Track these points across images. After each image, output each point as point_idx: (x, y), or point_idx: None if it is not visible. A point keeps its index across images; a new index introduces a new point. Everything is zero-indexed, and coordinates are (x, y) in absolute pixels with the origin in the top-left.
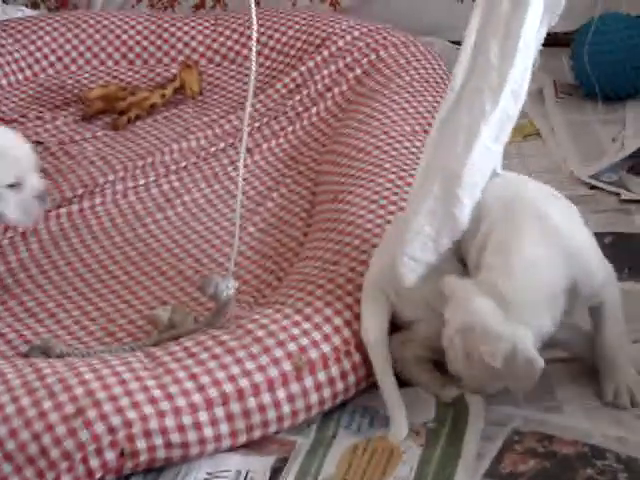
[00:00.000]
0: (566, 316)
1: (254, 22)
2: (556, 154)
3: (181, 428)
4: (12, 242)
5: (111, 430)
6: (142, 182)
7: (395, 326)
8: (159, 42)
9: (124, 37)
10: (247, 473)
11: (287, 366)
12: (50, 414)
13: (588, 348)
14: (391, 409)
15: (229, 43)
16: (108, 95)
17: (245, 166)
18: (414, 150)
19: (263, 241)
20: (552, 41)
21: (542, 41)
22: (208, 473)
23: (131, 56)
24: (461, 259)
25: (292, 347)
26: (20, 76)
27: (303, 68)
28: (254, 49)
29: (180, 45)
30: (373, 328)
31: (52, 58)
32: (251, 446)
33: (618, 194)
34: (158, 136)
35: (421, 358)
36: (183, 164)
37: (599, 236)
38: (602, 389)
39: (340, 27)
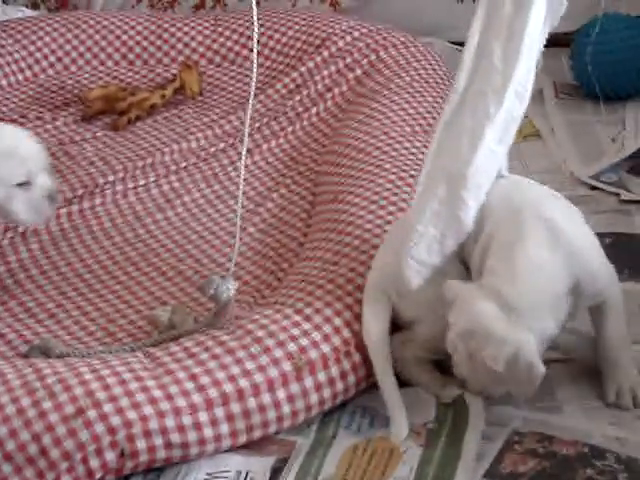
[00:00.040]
0: (569, 318)
1: (255, 23)
2: (556, 154)
3: (181, 428)
4: (12, 242)
5: (111, 430)
6: (142, 182)
7: (395, 326)
8: (159, 42)
9: (124, 37)
10: (247, 473)
11: (287, 366)
12: (50, 414)
13: (588, 351)
14: (391, 409)
15: (229, 44)
16: (108, 95)
17: (245, 166)
18: (414, 150)
19: (263, 241)
20: (552, 41)
21: (544, 42)
22: (208, 473)
23: (131, 56)
24: (463, 261)
25: (292, 347)
26: (20, 76)
27: (303, 68)
28: (255, 50)
29: (180, 45)
30: (374, 329)
31: (52, 59)
32: (251, 446)
33: (618, 194)
34: (158, 136)
35: (421, 358)
36: (183, 164)
37: (599, 237)
38: (604, 390)
39: (340, 27)
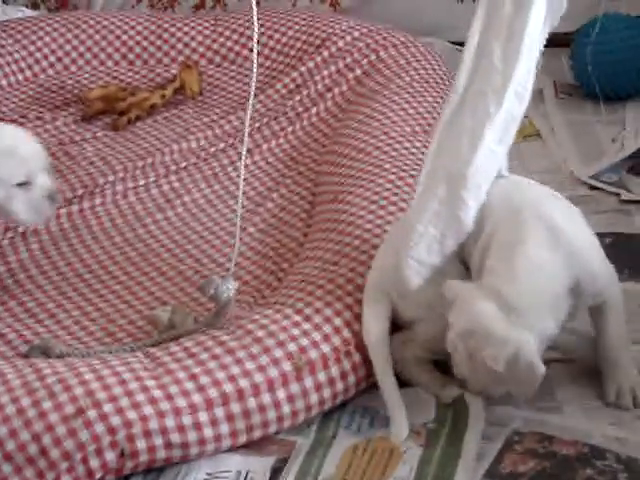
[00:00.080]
0: (569, 318)
1: (255, 23)
2: (556, 154)
3: (181, 428)
4: (12, 242)
5: (111, 430)
6: (142, 182)
7: (396, 326)
8: (159, 42)
9: (124, 37)
10: (247, 473)
11: (287, 366)
12: (50, 414)
13: (589, 351)
14: (391, 409)
15: (229, 43)
16: (108, 96)
17: (245, 166)
18: (414, 151)
19: (263, 241)
20: (552, 41)
21: (544, 42)
22: (208, 473)
23: (131, 56)
24: (463, 261)
25: (292, 347)
26: (20, 77)
27: (303, 68)
28: (255, 50)
29: (180, 45)
30: (374, 329)
31: (52, 59)
32: (251, 446)
33: (618, 194)
34: (158, 137)
35: (421, 358)
36: (183, 164)
37: (599, 237)
38: (604, 390)
39: (340, 27)
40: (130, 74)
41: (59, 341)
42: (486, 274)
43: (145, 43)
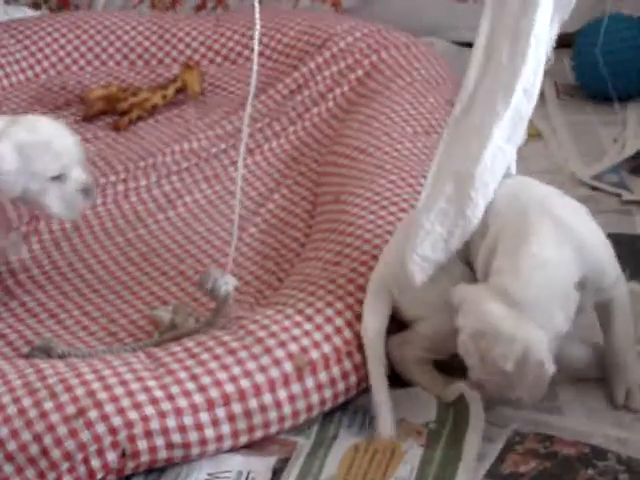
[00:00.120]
0: (578, 313)
1: (257, 23)
2: (557, 155)
3: (182, 429)
4: (13, 242)
5: (112, 431)
6: (143, 183)
7: (398, 326)
8: (160, 43)
9: (125, 38)
10: (248, 473)
11: (288, 367)
12: (51, 414)
13: (595, 362)
14: (378, 407)
15: (230, 44)
16: (109, 96)
17: (246, 167)
18: (415, 151)
19: (264, 242)
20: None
21: (554, 39)
22: (209, 474)
23: (132, 57)
24: (467, 261)
25: (293, 347)
26: (22, 77)
27: (304, 69)
28: (256, 50)
29: (181, 46)
30: (372, 325)
31: (54, 59)
32: (252, 446)
33: (619, 195)
34: (159, 137)
35: (422, 358)
36: (184, 165)
37: None
38: (613, 392)
39: (341, 28)
40: (131, 74)
41: (60, 341)
42: (493, 274)
43: (147, 43)
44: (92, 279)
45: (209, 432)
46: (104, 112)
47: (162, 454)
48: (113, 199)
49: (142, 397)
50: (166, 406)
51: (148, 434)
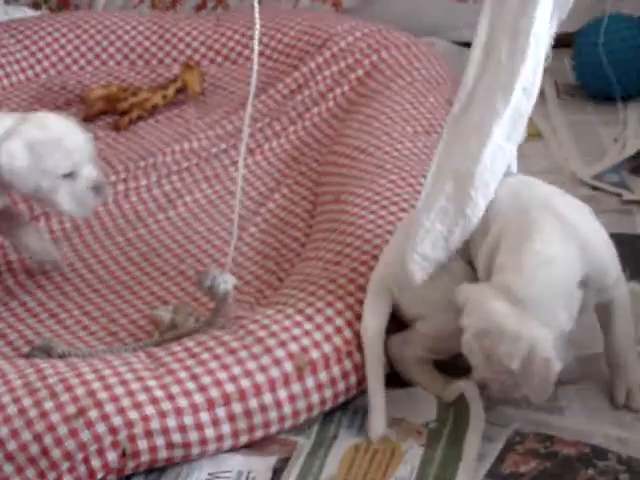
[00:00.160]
0: (580, 313)
1: (257, 23)
2: (558, 155)
3: (183, 428)
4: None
5: (113, 430)
6: (144, 183)
7: (397, 326)
8: (161, 43)
9: (126, 38)
10: (249, 473)
11: (289, 366)
12: (51, 414)
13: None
14: (372, 406)
15: (230, 44)
16: (110, 95)
17: (246, 166)
18: (415, 151)
19: (264, 242)
20: (554, 42)
21: (553, 36)
22: (209, 473)
23: (133, 57)
24: (469, 260)
25: (294, 347)
26: (22, 76)
27: (305, 69)
28: (256, 50)
29: (182, 46)
30: (371, 324)
31: (54, 59)
32: (253, 446)
33: (620, 195)
34: (160, 137)
35: (422, 358)
36: (185, 164)
37: None
38: (614, 392)
39: (342, 28)
40: (132, 74)
41: (60, 341)
42: (496, 272)
43: (147, 43)
44: (92, 279)
45: (209, 432)
46: (104, 112)
47: (162, 454)
48: (113, 199)
49: (142, 397)
50: (166, 406)
51: (148, 434)
